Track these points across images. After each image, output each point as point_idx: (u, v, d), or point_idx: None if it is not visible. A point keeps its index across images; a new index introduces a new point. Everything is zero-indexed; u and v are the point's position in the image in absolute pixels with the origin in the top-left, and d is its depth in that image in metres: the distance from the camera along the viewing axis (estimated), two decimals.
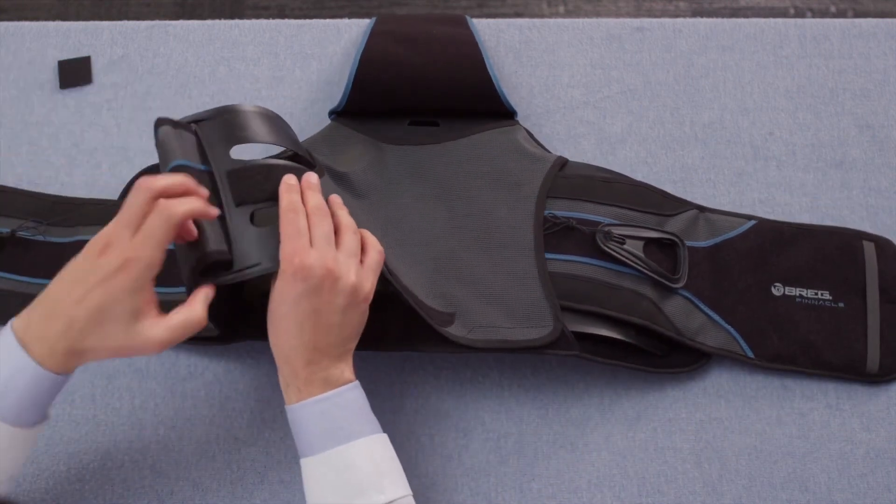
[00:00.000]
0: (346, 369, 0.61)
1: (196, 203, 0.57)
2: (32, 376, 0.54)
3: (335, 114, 0.82)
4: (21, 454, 0.58)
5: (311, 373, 0.59)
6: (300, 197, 0.61)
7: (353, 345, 0.62)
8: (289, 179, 0.61)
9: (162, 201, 0.55)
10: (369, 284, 0.61)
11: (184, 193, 0.57)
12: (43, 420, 0.59)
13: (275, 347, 0.60)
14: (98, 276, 0.54)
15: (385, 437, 0.62)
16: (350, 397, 0.60)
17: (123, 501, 0.72)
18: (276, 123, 0.68)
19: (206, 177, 0.62)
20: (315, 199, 0.61)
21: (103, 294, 0.53)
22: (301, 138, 0.81)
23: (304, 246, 0.58)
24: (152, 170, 0.80)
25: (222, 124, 0.64)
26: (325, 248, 0.59)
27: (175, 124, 0.63)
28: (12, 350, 0.54)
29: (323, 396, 0.59)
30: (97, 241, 0.55)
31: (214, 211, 0.59)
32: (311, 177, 0.63)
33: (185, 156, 0.62)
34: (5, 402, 0.55)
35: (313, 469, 0.59)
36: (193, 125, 0.64)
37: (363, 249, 0.62)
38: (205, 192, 0.59)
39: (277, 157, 0.72)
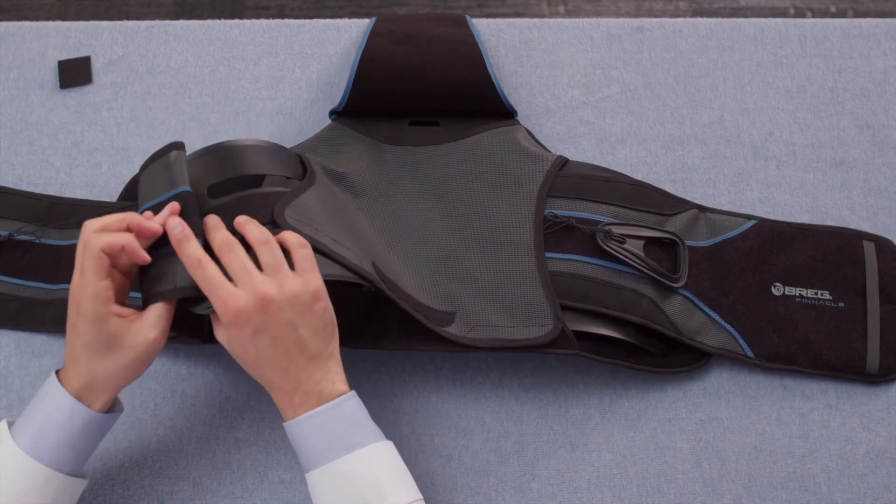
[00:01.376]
0: (338, 381, 0.61)
1: (118, 238, 0.57)
2: (70, 412, 0.58)
3: (335, 113, 0.82)
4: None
5: (304, 393, 0.59)
6: (196, 242, 0.58)
7: (335, 344, 0.61)
8: (173, 231, 0.58)
9: (87, 237, 0.57)
10: (312, 283, 0.59)
11: (124, 230, 0.59)
12: (80, 472, 0.61)
13: (264, 385, 0.61)
14: (71, 322, 0.58)
15: (389, 444, 0.61)
16: (346, 408, 0.60)
17: (123, 501, 0.72)
18: (258, 153, 0.67)
19: (191, 197, 0.61)
20: (218, 236, 0.59)
21: (78, 338, 0.58)
22: (301, 138, 0.82)
23: (228, 292, 0.56)
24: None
25: (203, 165, 0.64)
26: (247, 279, 0.57)
27: (159, 155, 0.64)
28: (53, 389, 0.59)
29: (318, 410, 0.59)
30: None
31: (141, 254, 0.59)
32: (210, 219, 0.61)
33: (154, 193, 0.62)
34: (45, 442, 0.58)
35: (317, 482, 0.59)
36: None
37: (288, 251, 0.60)
38: (153, 227, 0.59)
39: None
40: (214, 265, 0.58)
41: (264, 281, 0.57)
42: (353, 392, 0.61)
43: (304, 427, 0.59)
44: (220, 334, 0.60)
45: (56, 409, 0.58)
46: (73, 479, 0.60)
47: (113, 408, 0.62)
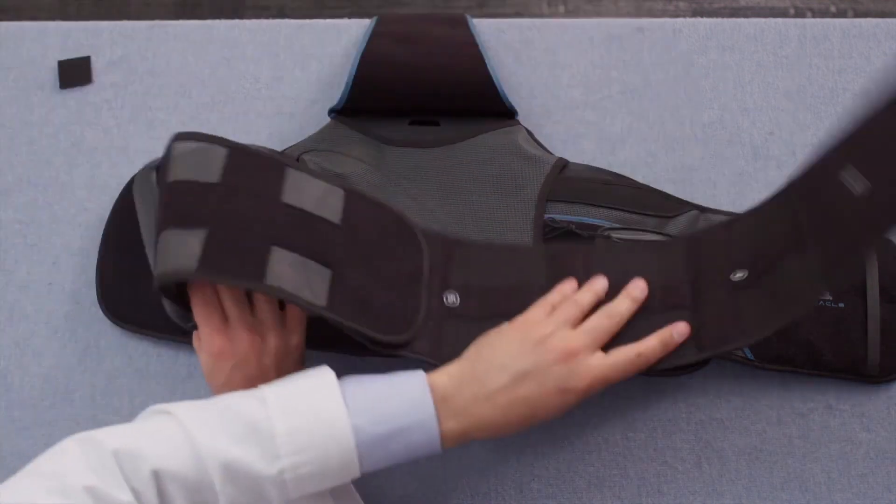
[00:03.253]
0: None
1: None
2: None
3: (335, 112, 0.82)
4: None
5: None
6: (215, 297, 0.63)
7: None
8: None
9: None
10: (295, 339, 0.65)
11: None
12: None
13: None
14: None
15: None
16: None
17: None
18: None
19: None
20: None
21: None
22: (301, 138, 0.82)
23: (217, 327, 0.62)
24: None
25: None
26: (239, 318, 0.62)
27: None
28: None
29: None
30: None
31: None
32: None
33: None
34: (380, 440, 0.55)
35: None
36: None
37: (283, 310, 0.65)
38: None
39: None
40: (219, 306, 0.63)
41: (254, 323, 0.63)
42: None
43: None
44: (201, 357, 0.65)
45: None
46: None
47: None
